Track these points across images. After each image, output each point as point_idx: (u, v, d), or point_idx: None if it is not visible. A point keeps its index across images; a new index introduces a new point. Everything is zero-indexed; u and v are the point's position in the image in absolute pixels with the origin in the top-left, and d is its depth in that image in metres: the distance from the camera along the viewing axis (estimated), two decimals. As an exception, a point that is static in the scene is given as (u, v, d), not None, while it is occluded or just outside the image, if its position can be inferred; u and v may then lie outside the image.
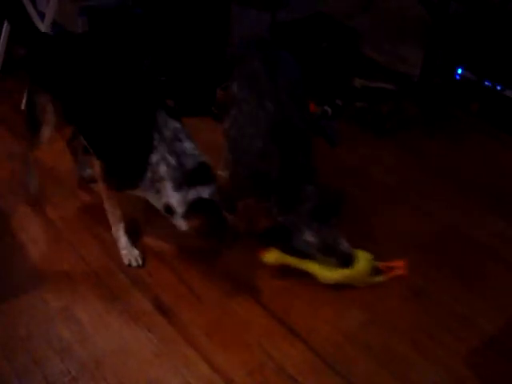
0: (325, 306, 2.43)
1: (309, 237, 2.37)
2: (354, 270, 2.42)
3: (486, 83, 3.86)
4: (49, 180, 2.97)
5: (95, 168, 2.49)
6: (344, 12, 4.25)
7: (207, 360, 2.15)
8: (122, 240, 2.55)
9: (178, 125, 2.34)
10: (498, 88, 3.80)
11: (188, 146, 2.32)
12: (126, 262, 2.53)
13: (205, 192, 2.26)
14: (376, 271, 2.50)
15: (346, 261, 2.39)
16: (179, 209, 2.27)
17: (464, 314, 2.44)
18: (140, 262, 2.53)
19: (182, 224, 2.30)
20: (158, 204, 2.34)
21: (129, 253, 2.54)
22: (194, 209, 2.25)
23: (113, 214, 2.53)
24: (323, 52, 3.83)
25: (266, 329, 2.30)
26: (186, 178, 2.27)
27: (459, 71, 4.00)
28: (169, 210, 2.30)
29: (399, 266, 2.52)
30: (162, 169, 2.27)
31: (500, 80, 3.79)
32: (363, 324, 2.37)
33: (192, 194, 2.25)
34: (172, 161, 2.27)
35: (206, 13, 3.53)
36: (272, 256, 2.46)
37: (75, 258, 2.55)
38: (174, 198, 2.27)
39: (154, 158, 2.27)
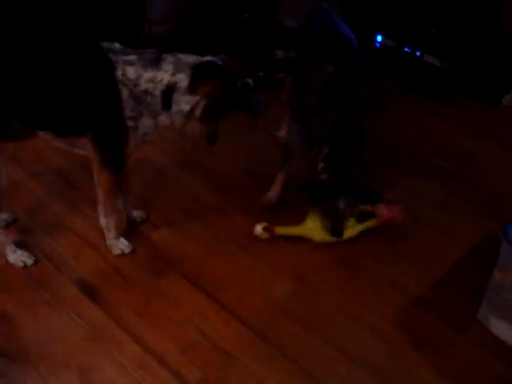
0: (254, 278, 2.45)
1: (341, 204, 2.37)
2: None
3: (406, 49, 3.92)
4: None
5: (92, 161, 2.29)
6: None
7: (138, 341, 2.13)
8: (113, 231, 2.47)
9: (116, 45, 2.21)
10: (418, 54, 3.87)
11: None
12: (116, 252, 2.48)
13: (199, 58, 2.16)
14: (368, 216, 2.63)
15: (338, 230, 2.45)
16: (182, 82, 2.12)
17: (389, 276, 2.51)
18: (131, 248, 2.50)
19: (185, 104, 2.15)
20: (156, 108, 2.18)
21: (120, 243, 2.49)
22: (201, 73, 2.12)
23: (111, 204, 2.42)
24: (243, 23, 3.79)
25: (197, 305, 2.30)
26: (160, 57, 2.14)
27: (379, 38, 4.05)
28: (166, 98, 2.14)
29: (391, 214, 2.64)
30: (131, 72, 2.12)
31: (419, 46, 3.86)
32: (292, 293, 2.39)
33: (193, 59, 2.14)
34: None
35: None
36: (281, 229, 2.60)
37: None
38: (163, 75, 2.11)
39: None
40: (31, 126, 2.29)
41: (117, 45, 2.21)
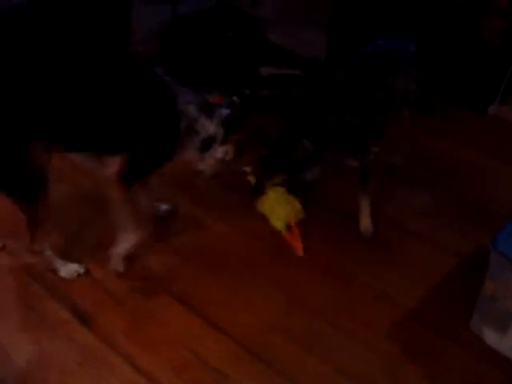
0: (241, 294, 2.44)
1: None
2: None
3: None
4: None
5: (109, 171, 2.31)
6: (247, 0, 4.25)
7: (131, 363, 2.12)
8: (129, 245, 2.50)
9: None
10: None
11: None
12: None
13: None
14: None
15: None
16: (219, 135, 2.38)
17: (379, 289, 2.51)
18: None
19: (220, 150, 2.42)
20: (193, 149, 2.40)
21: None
22: (231, 123, 2.39)
23: (132, 218, 2.42)
24: (228, 42, 3.82)
25: (187, 325, 2.29)
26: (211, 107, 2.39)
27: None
28: (207, 144, 2.39)
29: (297, 246, 2.65)
30: (191, 110, 2.32)
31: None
32: (284, 309, 2.39)
33: (223, 112, 2.39)
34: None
35: (105, 9, 3.45)
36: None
37: (-15, 272, 2.46)
38: (211, 126, 2.36)
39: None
40: (74, 147, 2.31)
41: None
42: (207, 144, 2.40)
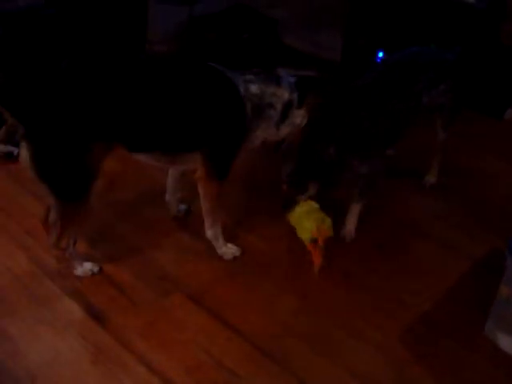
0: (257, 296, 2.44)
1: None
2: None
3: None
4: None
5: (199, 174, 2.43)
6: (264, 2, 4.26)
7: (144, 363, 2.12)
8: (221, 239, 2.59)
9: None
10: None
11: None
12: (228, 257, 2.60)
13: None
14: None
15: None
16: (295, 98, 2.40)
17: (392, 292, 2.50)
18: (240, 251, 2.62)
19: (297, 117, 2.44)
20: (274, 120, 2.42)
21: (227, 249, 2.60)
22: (301, 85, 2.42)
23: (215, 214, 2.52)
24: (244, 43, 3.82)
25: (201, 326, 2.29)
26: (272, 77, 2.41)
27: (380, 54, 4.07)
28: (285, 111, 2.41)
29: (316, 263, 2.54)
30: (254, 88, 2.35)
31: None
32: (296, 311, 2.39)
33: (290, 78, 2.42)
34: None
35: (122, 10, 3.47)
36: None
37: (0, 270, 2.48)
38: (284, 92, 2.39)
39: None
40: (142, 148, 2.37)
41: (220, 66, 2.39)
42: (285, 111, 2.40)
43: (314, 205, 2.55)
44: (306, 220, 2.52)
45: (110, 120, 2.19)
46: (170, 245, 2.67)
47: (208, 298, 2.41)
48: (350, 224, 2.76)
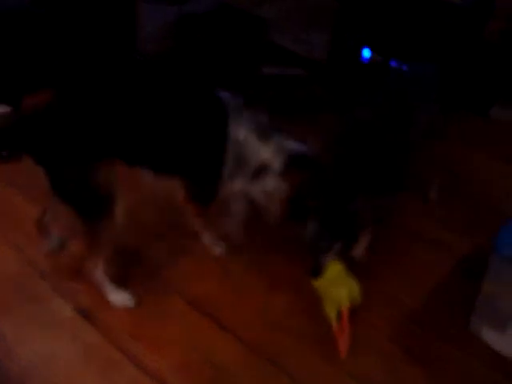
0: (248, 293, 2.46)
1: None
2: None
3: (392, 64, 3.96)
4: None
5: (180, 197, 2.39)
6: (251, 1, 4.27)
7: (135, 361, 2.14)
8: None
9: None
10: (404, 68, 3.91)
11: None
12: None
13: (296, 146, 2.21)
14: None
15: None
16: (275, 163, 2.19)
17: (382, 290, 2.52)
18: None
19: (275, 183, 2.22)
20: (247, 177, 2.25)
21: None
22: (295, 163, 2.19)
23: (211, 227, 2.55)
24: (232, 42, 3.84)
25: (193, 323, 2.30)
26: (268, 131, 2.21)
27: (366, 53, 4.08)
28: (259, 170, 2.22)
29: (342, 347, 2.25)
30: (241, 134, 2.18)
31: (405, 60, 3.90)
32: (288, 309, 2.41)
33: (288, 145, 2.20)
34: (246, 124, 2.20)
35: (110, 9, 3.47)
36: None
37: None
38: (265, 152, 2.19)
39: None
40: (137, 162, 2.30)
41: (226, 94, 2.27)
42: (257, 172, 2.22)
43: (339, 266, 2.27)
44: (335, 288, 2.24)
45: (108, 140, 2.16)
46: (161, 245, 2.67)
47: (199, 296, 2.42)
48: (362, 248, 2.59)
